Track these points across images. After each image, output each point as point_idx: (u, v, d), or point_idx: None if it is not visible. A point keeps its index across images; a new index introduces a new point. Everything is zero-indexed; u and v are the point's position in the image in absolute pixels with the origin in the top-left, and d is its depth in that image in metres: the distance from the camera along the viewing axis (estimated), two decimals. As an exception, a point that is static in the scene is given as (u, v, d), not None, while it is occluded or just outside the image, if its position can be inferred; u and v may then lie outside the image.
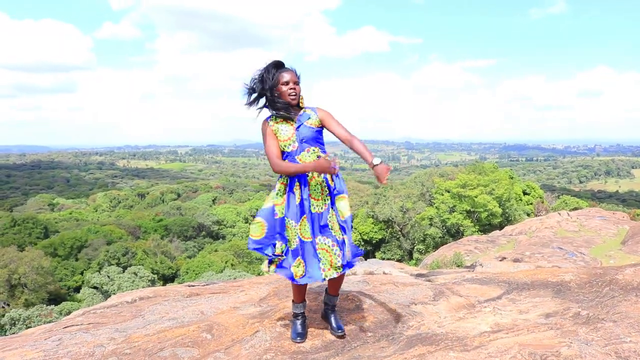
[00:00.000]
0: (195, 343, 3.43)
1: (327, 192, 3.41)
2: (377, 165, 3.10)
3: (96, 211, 74.02)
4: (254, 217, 3.85)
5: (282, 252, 3.42)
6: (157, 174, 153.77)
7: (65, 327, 4.00)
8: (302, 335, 3.50)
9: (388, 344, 3.43)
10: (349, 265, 3.39)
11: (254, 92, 3.38)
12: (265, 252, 3.43)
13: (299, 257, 3.35)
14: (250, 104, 3.41)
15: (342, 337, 3.54)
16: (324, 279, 3.35)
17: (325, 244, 3.32)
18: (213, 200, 73.80)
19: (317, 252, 3.32)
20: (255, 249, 3.43)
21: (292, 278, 3.35)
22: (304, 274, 3.34)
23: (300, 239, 3.34)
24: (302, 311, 3.61)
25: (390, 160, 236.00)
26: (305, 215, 3.34)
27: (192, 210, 60.55)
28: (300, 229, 3.34)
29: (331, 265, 3.31)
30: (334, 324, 3.59)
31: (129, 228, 51.66)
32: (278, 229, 3.39)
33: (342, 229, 3.37)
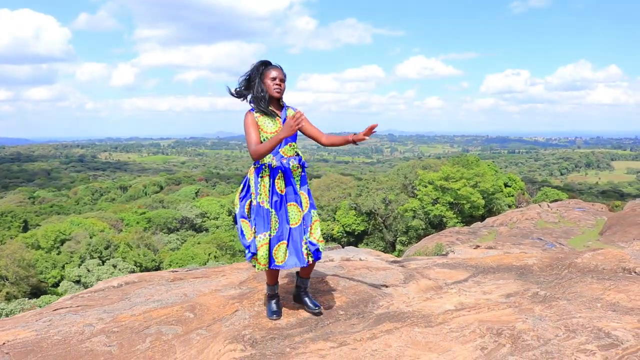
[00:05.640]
0: (179, 321, 3.67)
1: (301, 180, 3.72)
2: (355, 134, 3.48)
3: (78, 204, 73.53)
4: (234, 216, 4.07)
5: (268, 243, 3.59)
6: (140, 166, 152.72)
7: (55, 310, 4.20)
8: (277, 313, 3.76)
9: (358, 322, 3.70)
10: (317, 255, 3.66)
11: (243, 88, 3.65)
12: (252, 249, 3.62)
13: (283, 241, 3.59)
14: (240, 97, 3.66)
15: (319, 313, 3.79)
16: (307, 264, 3.64)
17: (303, 230, 3.64)
18: (196, 193, 73.65)
19: (301, 238, 3.61)
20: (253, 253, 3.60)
21: (273, 265, 3.58)
22: (285, 259, 3.59)
23: (287, 226, 3.61)
24: (276, 292, 3.87)
25: (373, 153, 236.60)
26: (291, 203, 3.64)
27: (174, 203, 60.37)
28: (290, 215, 3.63)
29: (308, 252, 3.62)
30: (309, 303, 3.83)
31: (111, 221, 51.39)
32: (264, 220, 3.58)
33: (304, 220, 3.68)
